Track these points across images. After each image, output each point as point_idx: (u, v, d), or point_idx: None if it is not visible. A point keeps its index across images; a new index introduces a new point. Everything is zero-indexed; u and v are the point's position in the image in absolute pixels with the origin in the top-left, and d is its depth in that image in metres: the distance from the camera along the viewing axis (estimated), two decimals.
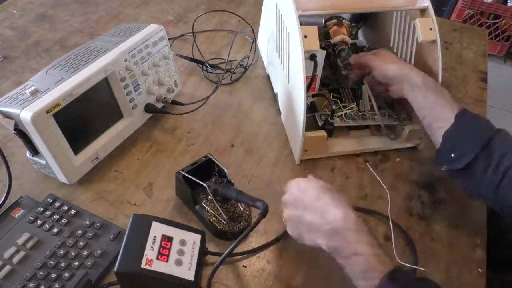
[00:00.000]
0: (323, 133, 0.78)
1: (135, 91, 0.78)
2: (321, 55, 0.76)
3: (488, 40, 1.21)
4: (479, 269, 0.67)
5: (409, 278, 0.56)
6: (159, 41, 0.80)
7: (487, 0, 2.44)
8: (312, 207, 0.58)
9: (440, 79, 0.75)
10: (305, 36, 0.70)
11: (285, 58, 0.81)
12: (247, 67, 1.00)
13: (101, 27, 1.12)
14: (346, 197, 0.60)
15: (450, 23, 1.31)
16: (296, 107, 0.76)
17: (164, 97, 0.84)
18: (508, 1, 2.44)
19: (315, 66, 0.76)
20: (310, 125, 0.80)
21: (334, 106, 0.79)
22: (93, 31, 1.11)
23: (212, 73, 0.98)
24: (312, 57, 0.75)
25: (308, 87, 0.78)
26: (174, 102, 0.85)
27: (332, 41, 0.83)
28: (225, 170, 0.70)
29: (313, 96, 0.82)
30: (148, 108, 0.82)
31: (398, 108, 0.85)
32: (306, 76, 0.71)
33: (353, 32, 0.98)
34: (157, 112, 0.84)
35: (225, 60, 1.00)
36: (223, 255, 0.61)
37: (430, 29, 0.75)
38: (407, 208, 0.75)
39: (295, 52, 0.72)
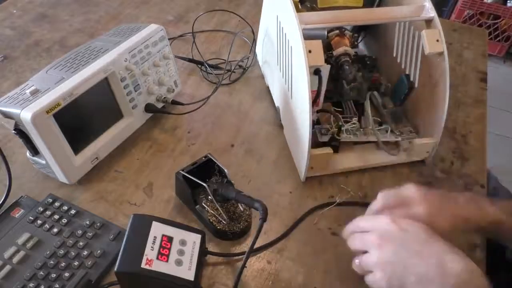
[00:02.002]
0: (329, 150, 0.75)
1: (135, 91, 0.78)
2: (325, 70, 0.72)
3: (488, 40, 1.21)
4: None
5: None
6: (159, 41, 0.80)
7: (487, 1, 2.44)
8: (424, 253, 0.45)
9: (447, 93, 0.72)
10: (309, 51, 0.67)
11: (287, 72, 0.77)
12: (246, 68, 1.00)
13: (101, 27, 1.12)
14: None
15: (450, 23, 1.31)
16: (300, 123, 0.73)
17: (164, 97, 0.84)
18: (508, 1, 2.45)
19: (320, 81, 0.73)
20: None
21: (341, 123, 0.76)
22: (93, 31, 1.11)
23: (211, 73, 0.98)
24: (316, 71, 0.72)
25: (313, 103, 0.73)
26: (174, 102, 0.85)
27: (334, 53, 0.80)
28: (225, 170, 0.70)
29: (317, 111, 0.79)
30: (148, 108, 0.82)
31: (405, 122, 0.82)
32: (311, 91, 0.68)
33: (355, 42, 0.94)
34: (157, 112, 0.84)
35: (225, 60, 1.00)
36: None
37: (437, 40, 0.72)
38: None
39: (299, 67, 0.69)
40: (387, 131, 0.80)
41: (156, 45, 0.80)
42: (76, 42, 1.06)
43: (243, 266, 0.60)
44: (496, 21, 2.46)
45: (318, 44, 0.68)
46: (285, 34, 0.75)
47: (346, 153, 0.80)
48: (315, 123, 0.80)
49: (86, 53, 0.74)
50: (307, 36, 0.69)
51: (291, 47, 0.73)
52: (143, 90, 0.80)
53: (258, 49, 1.02)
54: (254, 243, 0.60)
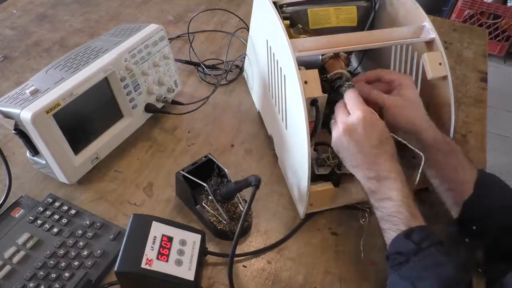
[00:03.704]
0: (330, 185, 0.70)
1: (135, 91, 0.78)
2: (323, 99, 0.67)
3: (488, 40, 1.21)
4: (479, 269, 0.67)
5: (424, 239, 0.54)
6: (159, 41, 0.80)
7: (487, 0, 2.44)
8: (367, 153, 0.60)
9: (453, 117, 0.69)
10: (305, 82, 0.62)
11: (280, 102, 0.72)
12: (242, 68, 0.99)
13: (101, 27, 1.12)
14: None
15: (450, 23, 1.31)
16: (297, 158, 0.67)
17: (164, 97, 0.84)
18: (508, 1, 2.45)
19: (318, 113, 0.67)
20: None
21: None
22: (93, 31, 1.11)
23: (209, 74, 0.98)
24: (313, 102, 0.66)
25: (311, 135, 0.67)
26: (174, 102, 0.85)
27: (329, 76, 0.73)
28: (225, 170, 0.70)
29: (316, 144, 0.73)
30: (148, 108, 0.82)
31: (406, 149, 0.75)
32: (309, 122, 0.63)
33: (349, 64, 0.88)
34: (157, 112, 0.84)
35: (223, 61, 1.00)
36: (231, 251, 0.60)
37: (440, 64, 0.68)
38: None
39: (294, 98, 0.65)
40: None
41: (156, 45, 0.80)
42: (76, 42, 1.06)
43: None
44: (496, 20, 2.46)
45: (314, 74, 0.64)
46: (277, 61, 0.70)
47: (346, 186, 0.73)
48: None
49: (86, 53, 0.74)
50: (301, 62, 0.64)
51: (284, 75, 0.68)
52: (143, 90, 0.80)
53: (246, 64, 0.96)
54: (247, 211, 0.61)
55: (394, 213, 0.56)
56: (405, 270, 0.53)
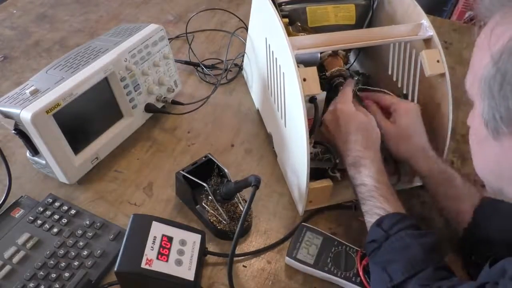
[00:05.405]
0: (328, 182, 0.70)
1: (135, 91, 0.78)
2: (321, 97, 0.68)
3: None
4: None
5: (394, 225, 0.56)
6: (159, 41, 0.80)
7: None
8: (347, 141, 0.65)
9: (451, 115, 0.69)
10: (304, 79, 0.63)
11: (279, 99, 0.73)
12: (241, 67, 0.99)
13: (101, 27, 1.12)
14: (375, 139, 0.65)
15: (450, 23, 1.31)
16: (296, 155, 0.68)
17: (164, 97, 0.84)
18: None
19: (316, 110, 0.68)
20: None
21: (337, 160, 0.70)
22: (93, 31, 1.11)
23: (209, 74, 0.98)
24: (311, 99, 0.67)
25: (310, 132, 0.67)
26: (174, 102, 0.85)
27: (327, 74, 0.74)
28: (225, 170, 0.70)
29: (314, 144, 0.72)
30: (148, 108, 0.82)
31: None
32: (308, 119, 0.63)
33: (348, 62, 0.89)
34: (157, 112, 0.84)
35: (223, 60, 1.00)
36: (231, 251, 0.60)
37: (438, 61, 0.68)
38: (407, 208, 0.75)
39: (293, 95, 0.65)
40: (385, 158, 0.72)
41: (156, 45, 0.80)
42: (76, 42, 1.06)
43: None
44: None
45: (313, 72, 0.64)
46: (276, 59, 0.71)
47: (346, 183, 0.72)
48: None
49: (86, 53, 0.74)
50: (299, 59, 0.65)
51: (283, 73, 0.68)
52: (143, 90, 0.80)
53: (246, 63, 0.97)
54: (246, 211, 0.61)
55: (368, 198, 0.60)
56: (377, 256, 0.56)
